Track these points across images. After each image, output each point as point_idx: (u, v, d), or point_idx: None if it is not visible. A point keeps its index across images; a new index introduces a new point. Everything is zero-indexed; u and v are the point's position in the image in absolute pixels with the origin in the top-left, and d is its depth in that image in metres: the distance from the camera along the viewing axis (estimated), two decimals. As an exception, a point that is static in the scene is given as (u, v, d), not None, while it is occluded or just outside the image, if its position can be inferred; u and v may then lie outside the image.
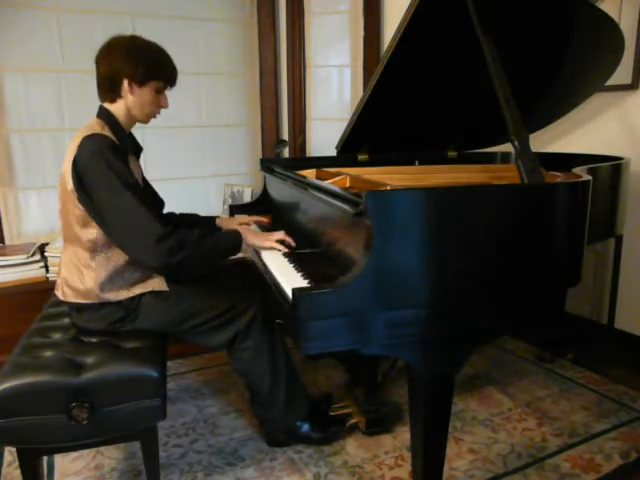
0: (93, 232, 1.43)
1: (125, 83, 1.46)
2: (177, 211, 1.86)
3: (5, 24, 2.48)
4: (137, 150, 1.64)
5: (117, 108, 1.50)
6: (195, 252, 1.42)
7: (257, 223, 1.96)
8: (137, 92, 1.48)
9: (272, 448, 1.73)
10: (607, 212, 1.83)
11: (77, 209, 1.41)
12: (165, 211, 1.81)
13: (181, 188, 3.03)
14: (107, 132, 1.44)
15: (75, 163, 1.38)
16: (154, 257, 1.37)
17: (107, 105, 1.51)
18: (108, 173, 1.35)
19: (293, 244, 1.59)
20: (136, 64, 1.44)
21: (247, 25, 3.11)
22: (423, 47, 1.63)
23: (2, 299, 2.20)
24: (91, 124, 1.47)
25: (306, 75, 3.15)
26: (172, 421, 1.90)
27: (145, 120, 1.56)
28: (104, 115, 1.50)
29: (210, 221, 1.86)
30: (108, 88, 1.48)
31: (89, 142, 1.39)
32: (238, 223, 1.87)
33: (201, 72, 3.00)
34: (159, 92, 1.52)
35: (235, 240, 1.55)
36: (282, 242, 1.60)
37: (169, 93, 1.56)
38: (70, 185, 1.39)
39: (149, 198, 1.56)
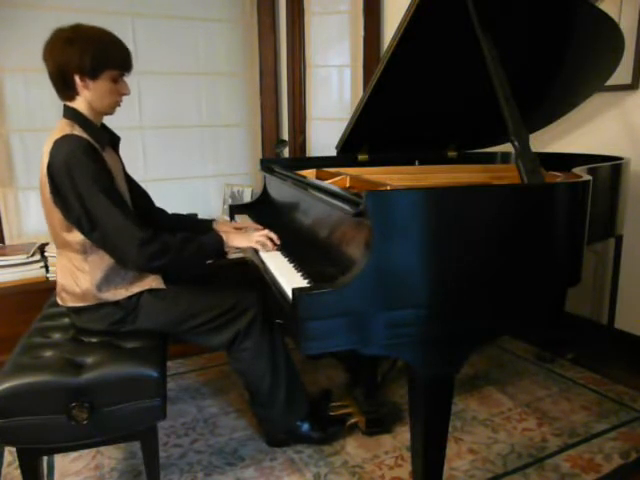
0: (79, 235, 1.41)
1: (77, 79, 1.39)
2: (178, 211, 1.85)
3: (5, 24, 2.48)
4: (114, 141, 1.60)
5: (79, 105, 1.44)
6: (177, 257, 1.42)
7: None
8: (92, 86, 1.41)
9: (272, 448, 1.73)
10: (607, 212, 1.83)
11: (58, 214, 1.40)
12: (162, 208, 1.81)
13: (181, 188, 3.03)
14: (78, 131, 1.40)
15: (49, 168, 1.35)
16: (136, 261, 1.38)
17: (69, 103, 1.45)
18: (82, 178, 1.33)
19: (277, 241, 1.60)
20: (81, 57, 1.35)
21: (247, 25, 3.11)
22: (423, 47, 1.63)
23: (2, 299, 2.20)
24: (60, 125, 1.42)
25: (306, 75, 3.15)
26: (172, 421, 1.90)
27: (109, 111, 1.49)
28: (70, 114, 1.44)
29: (206, 225, 1.82)
30: (62, 86, 1.42)
31: (61, 145, 1.35)
32: (233, 228, 1.82)
33: (201, 72, 2.99)
34: (116, 81, 1.44)
35: (217, 244, 1.54)
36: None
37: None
38: (48, 190, 1.37)
39: (129, 198, 1.52)
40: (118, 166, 1.57)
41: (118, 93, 1.47)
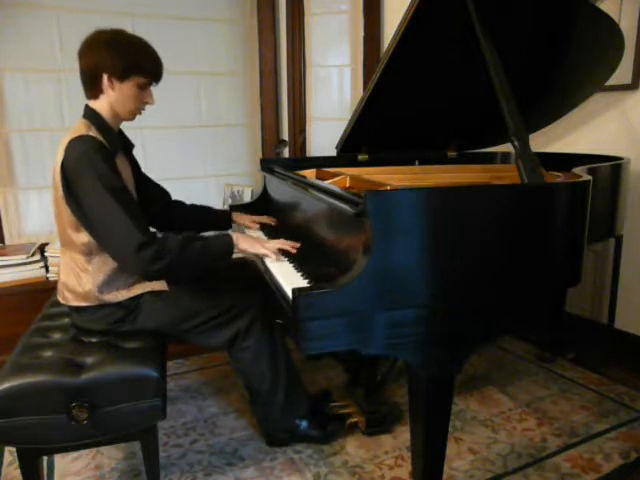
0: (85, 236, 1.42)
1: (105, 78, 1.42)
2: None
3: (5, 24, 2.48)
4: (127, 147, 1.62)
5: (101, 105, 1.46)
6: (179, 259, 1.38)
7: (264, 223, 1.96)
8: (118, 87, 1.44)
9: (272, 448, 1.73)
10: (607, 212, 1.83)
11: (68, 213, 1.40)
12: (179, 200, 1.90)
13: (181, 188, 3.01)
14: (93, 132, 1.42)
15: (62, 167, 1.37)
16: (134, 265, 1.37)
17: (92, 103, 1.47)
18: (93, 177, 1.34)
19: (293, 251, 1.50)
20: (115, 58, 1.40)
21: (247, 25, 3.11)
22: (423, 47, 1.63)
23: (2, 299, 2.20)
24: (77, 126, 1.45)
25: (306, 75, 3.15)
26: (172, 421, 1.90)
27: (129, 117, 1.51)
28: (89, 115, 1.46)
29: (225, 215, 1.91)
30: (89, 83, 1.45)
31: (75, 145, 1.37)
32: (250, 221, 1.93)
33: (201, 72, 2.99)
34: (142, 88, 1.47)
35: (225, 245, 1.48)
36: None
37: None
38: (60, 189, 1.39)
39: (136, 202, 1.52)
40: (128, 172, 1.58)
41: (141, 101, 1.50)
